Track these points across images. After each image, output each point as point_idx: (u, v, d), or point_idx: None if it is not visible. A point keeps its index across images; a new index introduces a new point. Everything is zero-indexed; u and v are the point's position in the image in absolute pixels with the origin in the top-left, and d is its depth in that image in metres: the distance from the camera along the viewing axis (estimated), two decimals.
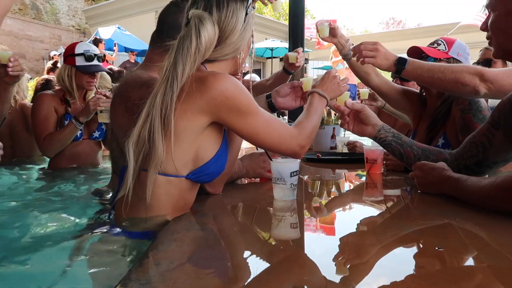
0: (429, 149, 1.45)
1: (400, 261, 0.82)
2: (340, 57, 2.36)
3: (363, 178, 1.76)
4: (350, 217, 1.22)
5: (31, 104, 2.81)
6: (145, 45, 9.09)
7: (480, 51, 2.41)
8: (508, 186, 1.01)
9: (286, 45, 4.69)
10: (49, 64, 10.26)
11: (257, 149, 1.59)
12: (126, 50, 10.59)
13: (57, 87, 2.84)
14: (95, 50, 2.34)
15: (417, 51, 1.83)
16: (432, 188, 1.26)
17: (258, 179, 1.58)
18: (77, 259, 1.06)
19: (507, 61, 2.25)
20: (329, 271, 0.75)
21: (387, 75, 3.03)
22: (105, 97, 2.23)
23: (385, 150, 1.62)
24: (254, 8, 1.21)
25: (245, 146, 3.31)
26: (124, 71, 4.48)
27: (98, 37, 9.90)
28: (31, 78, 4.32)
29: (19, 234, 1.36)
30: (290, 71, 2.19)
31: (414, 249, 0.89)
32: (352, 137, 2.41)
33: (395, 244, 0.93)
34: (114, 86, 2.25)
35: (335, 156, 2.31)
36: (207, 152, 1.10)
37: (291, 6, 3.41)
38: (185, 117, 1.03)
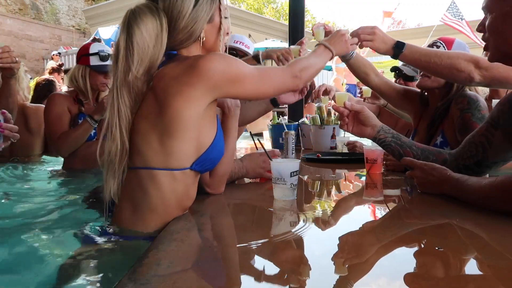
0: (428, 149, 1.44)
1: (400, 261, 0.82)
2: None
3: (363, 178, 1.76)
4: (350, 217, 1.22)
5: (31, 104, 2.82)
6: None
7: (483, 51, 2.39)
8: (508, 186, 1.01)
9: (286, 45, 4.69)
10: (52, 64, 10.27)
11: (256, 149, 1.60)
12: None
13: (59, 87, 2.83)
14: (109, 50, 2.35)
15: None
16: (432, 188, 1.26)
17: (258, 179, 1.58)
18: (77, 262, 1.05)
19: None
20: (329, 271, 0.75)
21: (390, 76, 3.02)
22: None
23: (384, 150, 1.61)
24: None
25: (245, 145, 3.31)
26: None
27: (97, 37, 9.91)
28: (31, 78, 4.31)
29: (18, 234, 1.36)
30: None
31: (414, 249, 0.89)
32: (352, 137, 2.41)
33: (395, 244, 0.93)
34: None
35: (335, 156, 2.31)
36: (207, 137, 1.10)
37: (291, 6, 3.41)
38: (189, 106, 1.02)
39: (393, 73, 2.88)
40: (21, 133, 2.72)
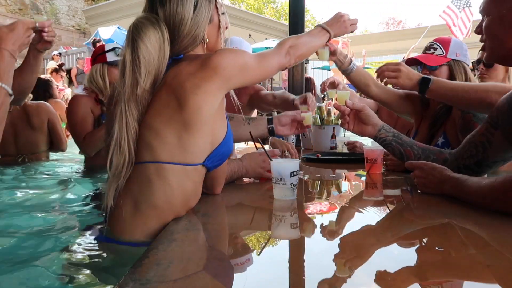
0: (429, 149, 1.45)
1: (400, 261, 0.82)
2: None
3: (363, 178, 1.76)
4: (350, 217, 1.22)
5: (32, 102, 2.82)
6: None
7: (480, 51, 2.38)
8: (508, 186, 1.01)
9: None
10: (52, 64, 10.27)
11: (256, 149, 1.60)
12: None
13: (57, 87, 2.83)
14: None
15: (416, 62, 1.83)
16: (433, 188, 1.26)
17: (258, 179, 1.58)
18: (76, 264, 1.05)
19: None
20: (329, 271, 0.75)
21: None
22: None
23: (385, 150, 1.61)
24: None
25: (246, 146, 3.32)
26: None
27: (97, 38, 9.91)
28: None
29: (18, 235, 1.36)
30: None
31: (414, 249, 0.89)
32: (352, 137, 2.41)
33: (395, 244, 0.93)
34: None
35: (335, 156, 2.31)
36: (220, 131, 1.13)
37: (291, 6, 3.41)
38: (209, 99, 1.06)
39: None
40: (25, 130, 2.76)
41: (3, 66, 1.22)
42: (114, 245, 1.07)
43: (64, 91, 6.89)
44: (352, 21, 1.49)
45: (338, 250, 0.86)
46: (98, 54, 2.35)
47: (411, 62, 1.83)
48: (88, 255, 1.08)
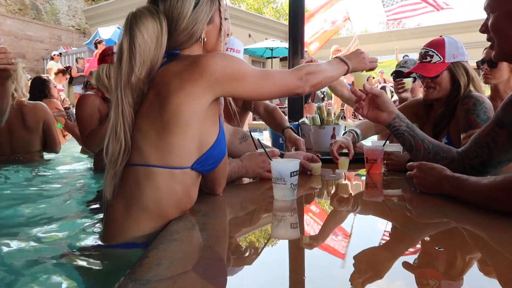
0: (439, 146, 1.43)
1: (400, 261, 0.82)
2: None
3: (363, 178, 1.76)
4: (349, 217, 1.22)
5: (29, 102, 2.83)
6: None
7: (484, 49, 2.36)
8: (508, 186, 1.01)
9: (286, 45, 4.69)
10: (53, 64, 10.24)
11: (256, 149, 1.60)
12: None
13: (55, 87, 2.86)
14: None
15: (418, 72, 1.81)
16: (432, 188, 1.26)
17: (258, 178, 1.58)
18: (74, 265, 1.05)
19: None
20: (329, 271, 0.75)
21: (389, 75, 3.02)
22: None
23: (385, 150, 1.62)
24: None
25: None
26: None
27: (98, 38, 9.92)
28: (30, 78, 4.32)
29: (18, 235, 1.36)
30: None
31: (414, 249, 0.89)
32: None
33: (395, 244, 0.93)
34: None
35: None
36: (210, 136, 1.10)
37: (291, 6, 3.41)
38: (190, 102, 1.03)
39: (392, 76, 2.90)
40: (19, 130, 2.76)
41: None
42: (107, 248, 1.07)
43: (62, 91, 6.90)
44: (371, 59, 1.46)
45: (338, 250, 0.86)
46: (107, 55, 2.41)
47: (409, 73, 1.83)
48: (83, 258, 1.08)
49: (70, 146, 3.75)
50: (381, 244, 0.92)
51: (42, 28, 14.20)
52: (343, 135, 1.94)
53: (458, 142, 1.68)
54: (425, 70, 1.77)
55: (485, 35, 1.19)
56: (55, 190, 2.13)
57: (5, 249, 1.20)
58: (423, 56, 1.80)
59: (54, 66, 9.92)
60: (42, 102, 3.02)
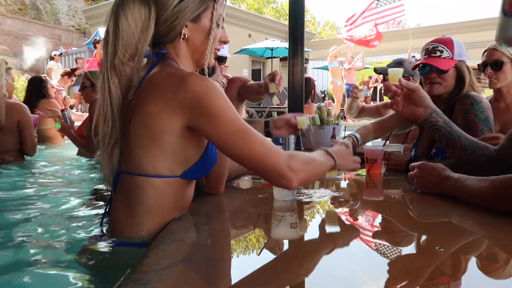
0: (476, 143, 1.38)
1: (400, 261, 0.82)
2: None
3: (363, 178, 1.76)
4: (349, 217, 1.22)
5: (7, 101, 2.80)
6: None
7: (485, 51, 2.32)
8: (508, 186, 1.01)
9: (286, 45, 4.68)
10: (53, 64, 10.20)
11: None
12: None
13: (53, 87, 2.87)
14: None
15: (426, 65, 1.78)
16: (432, 188, 1.26)
17: (260, 178, 1.58)
18: (74, 265, 1.05)
19: None
20: (328, 271, 0.75)
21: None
22: None
23: (385, 150, 1.61)
24: None
25: None
26: None
27: (97, 38, 9.91)
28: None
29: (17, 235, 1.36)
30: (271, 97, 2.26)
31: (414, 249, 0.89)
32: None
33: (395, 244, 0.93)
34: None
35: None
36: (195, 153, 1.07)
37: (291, 6, 3.40)
38: (160, 118, 0.99)
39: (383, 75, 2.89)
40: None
41: None
42: (112, 246, 1.08)
43: (61, 91, 6.88)
44: (355, 159, 1.30)
45: (338, 249, 0.86)
46: None
47: (417, 65, 1.80)
48: (86, 256, 1.08)
49: (70, 147, 3.75)
50: (381, 244, 0.92)
51: (42, 28, 14.20)
52: (343, 139, 1.94)
53: None
54: (438, 63, 1.73)
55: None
56: (49, 189, 2.12)
57: (4, 248, 1.20)
58: (432, 51, 1.77)
59: (54, 66, 9.93)
60: (21, 103, 2.97)
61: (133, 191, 1.04)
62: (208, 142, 1.09)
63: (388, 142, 1.93)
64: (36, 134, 2.94)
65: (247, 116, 4.96)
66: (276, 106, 8.35)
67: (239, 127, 0.99)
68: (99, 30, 10.80)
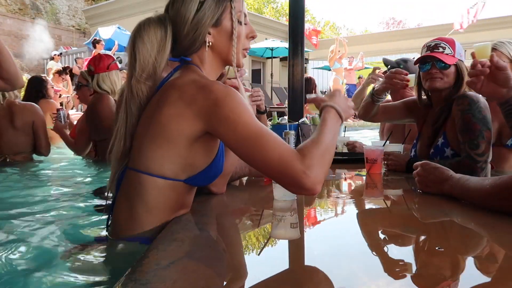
0: None
1: (400, 261, 0.82)
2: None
3: (363, 178, 1.76)
4: (349, 217, 1.22)
5: (20, 102, 2.81)
6: None
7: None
8: (509, 186, 1.01)
9: (286, 45, 4.68)
10: (53, 64, 10.20)
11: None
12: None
13: (52, 87, 2.93)
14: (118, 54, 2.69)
15: (430, 59, 1.77)
16: (433, 188, 1.26)
17: (262, 179, 1.58)
18: (75, 263, 1.05)
19: None
20: (328, 271, 0.75)
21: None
22: None
23: (385, 150, 1.61)
24: None
25: None
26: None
27: (97, 38, 9.92)
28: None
29: (17, 235, 1.36)
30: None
31: (414, 249, 0.89)
32: (352, 137, 2.41)
33: (395, 244, 0.93)
34: None
35: (335, 156, 2.30)
36: (203, 160, 1.07)
37: (291, 6, 3.41)
38: (178, 121, 1.00)
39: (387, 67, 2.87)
40: (7, 130, 2.75)
41: None
42: (114, 244, 1.08)
43: (60, 92, 6.87)
44: (351, 104, 1.22)
45: (338, 249, 0.86)
46: (111, 63, 2.71)
47: (420, 60, 1.80)
48: (88, 254, 1.08)
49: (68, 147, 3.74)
50: (381, 244, 0.92)
51: (42, 28, 14.19)
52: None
53: (454, 141, 1.68)
54: (442, 57, 1.73)
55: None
56: (50, 189, 2.12)
57: (6, 247, 1.20)
58: (435, 47, 1.77)
59: (54, 66, 9.92)
60: (34, 104, 2.99)
61: (136, 188, 1.05)
62: (217, 153, 1.10)
63: (388, 142, 1.93)
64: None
65: None
66: (276, 106, 8.36)
67: (255, 131, 0.97)
68: (99, 30, 10.81)
